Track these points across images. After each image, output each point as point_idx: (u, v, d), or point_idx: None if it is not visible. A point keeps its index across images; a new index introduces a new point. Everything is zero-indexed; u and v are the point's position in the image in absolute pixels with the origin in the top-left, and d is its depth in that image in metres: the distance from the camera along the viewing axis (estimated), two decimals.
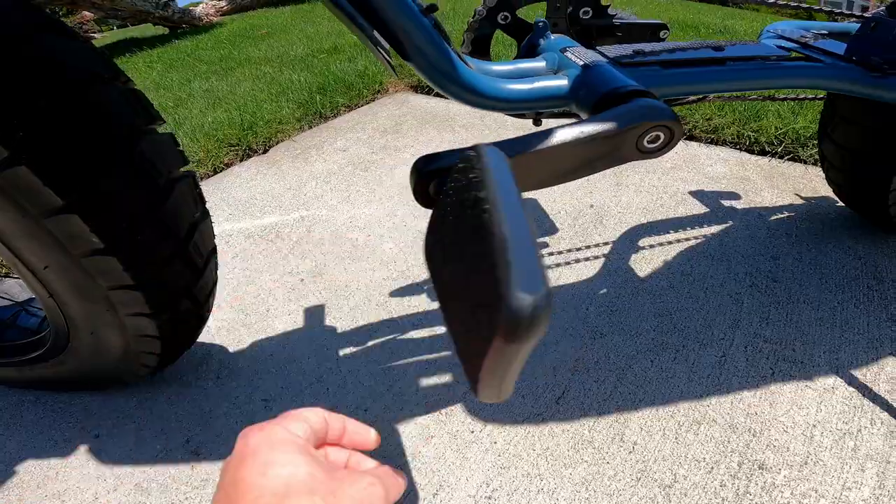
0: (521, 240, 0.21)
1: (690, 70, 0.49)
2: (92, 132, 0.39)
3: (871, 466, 0.52)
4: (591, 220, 0.90)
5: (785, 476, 0.52)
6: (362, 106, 1.51)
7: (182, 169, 0.47)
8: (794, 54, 0.57)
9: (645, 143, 0.38)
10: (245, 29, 3.44)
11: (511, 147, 0.35)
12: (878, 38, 0.56)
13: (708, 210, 0.91)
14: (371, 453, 0.36)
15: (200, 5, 4.74)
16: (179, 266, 0.47)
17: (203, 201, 0.52)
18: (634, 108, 0.38)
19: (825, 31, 0.72)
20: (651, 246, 0.83)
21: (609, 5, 0.63)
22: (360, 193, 1.04)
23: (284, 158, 1.23)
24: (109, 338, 0.51)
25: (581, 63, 0.48)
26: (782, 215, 0.88)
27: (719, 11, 4.14)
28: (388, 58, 0.44)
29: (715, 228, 0.86)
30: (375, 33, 0.40)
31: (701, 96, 0.55)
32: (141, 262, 0.44)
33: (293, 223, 0.96)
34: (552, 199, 0.97)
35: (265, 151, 1.29)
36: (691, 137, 1.18)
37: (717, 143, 1.16)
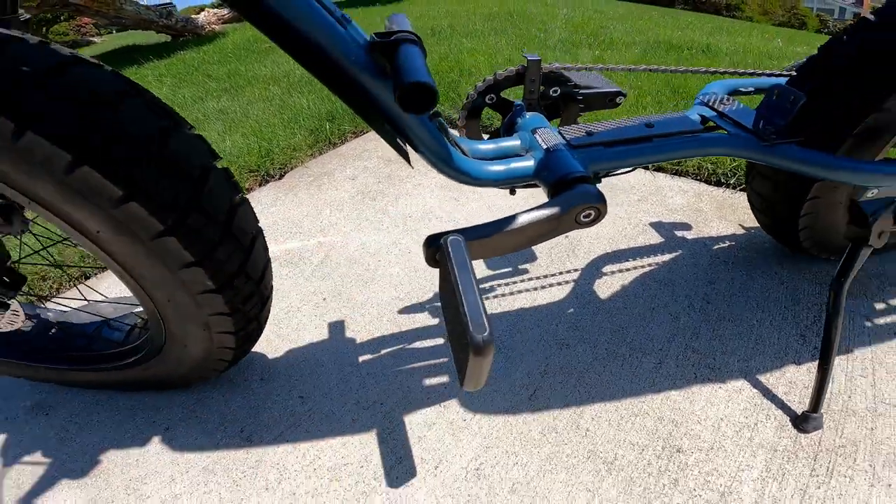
0: (472, 303, 0.38)
1: (625, 148, 0.65)
2: (182, 174, 0.52)
3: (762, 453, 0.68)
4: (565, 249, 1.07)
5: (696, 458, 0.68)
6: (367, 133, 1.67)
7: (238, 196, 0.60)
8: (710, 123, 0.73)
9: (581, 219, 0.55)
10: (248, 42, 3.55)
11: (483, 230, 0.52)
12: (777, 105, 0.69)
13: (663, 240, 1.08)
14: (383, 438, 0.52)
15: (202, 13, 4.84)
16: (244, 279, 0.61)
17: (256, 220, 0.65)
18: (574, 195, 0.55)
19: (752, 89, 0.87)
20: (612, 272, 1.00)
21: (572, 83, 0.79)
22: (369, 222, 1.20)
23: (300, 185, 1.39)
24: (197, 346, 0.66)
25: (545, 147, 0.65)
26: (724, 244, 1.06)
27: (708, 25, 4.29)
28: (403, 148, 0.60)
29: (666, 256, 1.03)
30: (397, 139, 0.57)
31: (635, 168, 0.70)
32: (221, 271, 0.57)
33: (313, 248, 1.12)
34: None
35: (281, 177, 1.44)
36: (659, 169, 1.36)
37: (681, 175, 1.33)
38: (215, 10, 5.02)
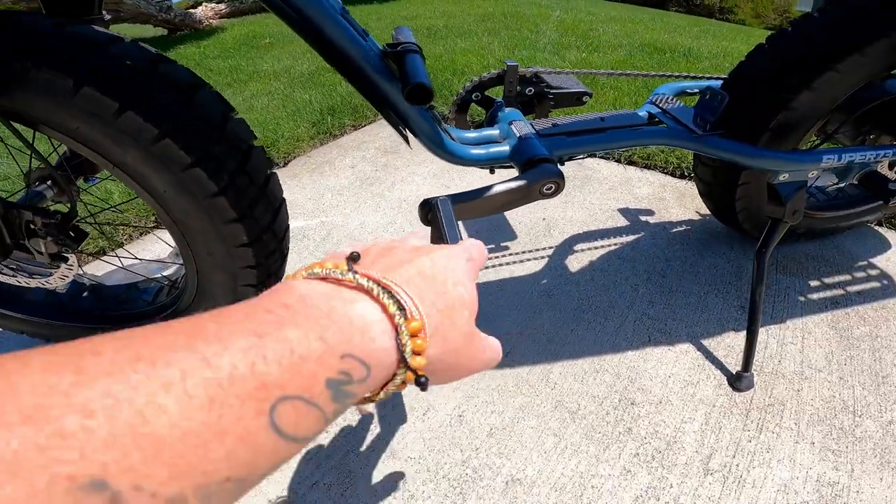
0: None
1: (583, 137, 0.77)
2: (234, 147, 0.64)
3: (702, 408, 0.79)
4: (542, 230, 1.19)
5: (646, 410, 0.80)
6: (365, 126, 1.78)
7: (270, 169, 0.72)
8: (655, 119, 0.85)
9: (544, 190, 0.67)
10: (247, 37, 3.62)
11: (466, 196, 0.63)
12: (709, 104, 0.81)
13: (628, 223, 1.20)
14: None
15: (200, 7, 4.88)
16: (271, 236, 0.72)
17: (282, 190, 0.75)
18: (538, 171, 0.67)
19: (697, 90, 0.99)
20: (583, 250, 1.12)
21: (544, 84, 0.91)
22: (367, 205, 1.31)
23: (303, 172, 1.49)
24: (224, 299, 0.75)
25: (518, 135, 0.76)
26: (682, 228, 1.19)
27: (695, 29, 4.41)
28: (404, 133, 0.71)
29: (630, 237, 1.16)
30: (401, 126, 0.68)
31: (590, 154, 0.82)
32: (255, 226, 0.67)
33: (316, 226, 1.23)
34: (514, 213, 1.26)
35: (285, 165, 1.55)
36: (631, 163, 1.48)
37: (650, 168, 1.45)
38: (213, 4, 5.06)
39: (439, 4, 4.70)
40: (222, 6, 5.06)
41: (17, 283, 0.75)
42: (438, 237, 0.54)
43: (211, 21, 4.71)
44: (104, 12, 0.72)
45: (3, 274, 0.73)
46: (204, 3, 5.05)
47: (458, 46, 2.79)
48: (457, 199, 0.61)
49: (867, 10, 0.72)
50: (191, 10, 4.62)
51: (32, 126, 0.58)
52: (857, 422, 0.77)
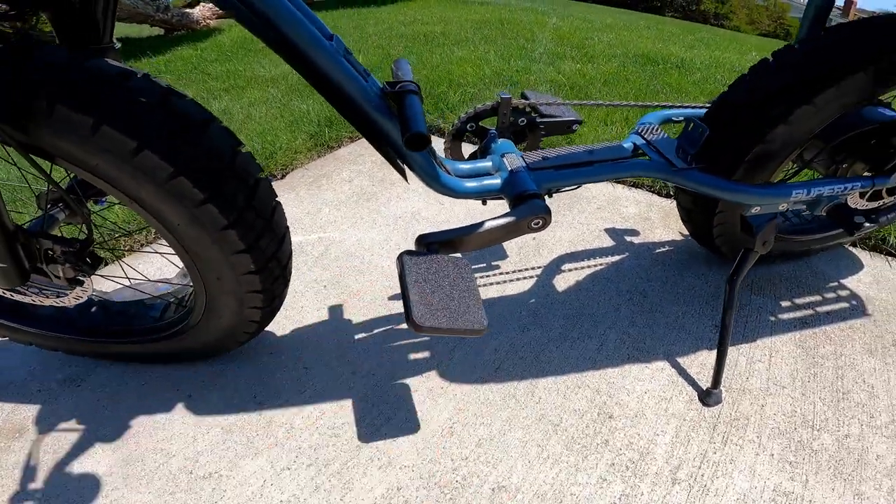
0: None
1: (570, 171, 0.83)
2: (242, 182, 0.68)
3: (674, 421, 0.85)
4: (532, 249, 1.25)
5: (623, 423, 0.85)
6: (362, 139, 1.82)
7: (274, 201, 0.75)
8: (639, 152, 0.91)
9: (532, 226, 0.72)
10: (244, 39, 3.64)
11: (459, 231, 0.69)
12: (691, 136, 0.87)
13: (614, 243, 1.27)
14: (375, 401, 0.68)
15: (197, 8, 4.88)
16: (276, 263, 0.76)
17: (286, 220, 0.79)
18: (527, 207, 0.72)
19: (682, 119, 1.04)
20: (569, 270, 1.18)
21: (536, 114, 0.97)
22: (364, 221, 1.37)
23: (301, 185, 1.54)
24: (230, 318, 0.80)
25: (510, 168, 0.82)
26: (664, 249, 1.25)
27: (689, 37, 4.46)
28: (401, 167, 0.76)
29: (615, 258, 1.22)
30: (398, 161, 0.73)
31: (578, 185, 0.88)
32: (261, 256, 0.72)
33: (314, 242, 1.28)
34: None
35: (283, 177, 1.59)
36: (620, 182, 1.54)
37: (637, 187, 1.52)
38: (210, 4, 5.06)
39: (437, 9, 4.73)
40: None
41: (33, 302, 0.79)
42: (403, 293, 0.60)
43: (208, 22, 4.72)
44: (114, 40, 0.74)
45: (20, 294, 0.78)
46: (201, 4, 5.04)
47: (455, 55, 2.84)
48: (454, 234, 0.67)
49: (845, 44, 0.78)
50: (188, 11, 4.62)
51: (51, 159, 0.61)
52: (815, 435, 0.84)
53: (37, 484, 0.76)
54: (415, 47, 3.09)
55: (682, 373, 0.94)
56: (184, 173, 0.61)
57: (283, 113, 1.98)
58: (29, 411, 0.86)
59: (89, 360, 0.96)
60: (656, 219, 1.37)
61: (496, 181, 0.81)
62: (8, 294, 0.77)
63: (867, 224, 0.89)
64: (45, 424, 0.84)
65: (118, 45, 0.73)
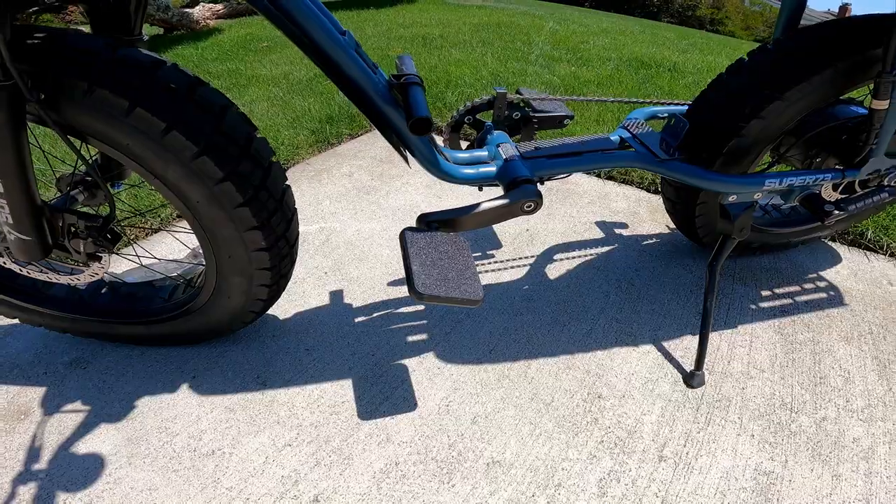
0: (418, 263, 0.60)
1: (561, 160, 0.88)
2: (258, 163, 0.72)
3: (659, 402, 0.90)
4: (525, 240, 1.30)
5: (611, 403, 0.90)
6: (362, 135, 1.87)
7: (286, 183, 0.80)
8: (625, 144, 0.95)
9: (524, 208, 0.77)
10: (245, 39, 3.67)
11: (457, 212, 0.73)
12: (673, 130, 0.91)
13: (604, 235, 1.32)
14: (374, 381, 0.72)
15: (197, 7, 4.92)
16: (285, 242, 0.80)
17: (294, 202, 0.83)
18: (520, 191, 0.77)
19: (666, 115, 1.09)
20: (562, 259, 1.23)
21: (530, 109, 1.01)
22: (363, 213, 1.41)
23: (302, 179, 1.58)
24: (239, 298, 0.84)
25: (505, 156, 0.87)
26: (652, 241, 1.30)
27: (683, 42, 4.53)
28: (404, 154, 0.81)
29: (605, 249, 1.27)
30: (401, 147, 0.78)
31: (568, 174, 0.92)
32: (272, 233, 0.76)
33: (315, 232, 1.32)
34: (500, 224, 1.36)
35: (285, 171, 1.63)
36: (610, 178, 1.59)
37: (627, 183, 1.57)
38: (210, 4, 5.10)
39: (436, 12, 4.79)
40: (219, 7, 5.10)
41: (48, 280, 0.83)
42: (406, 265, 0.65)
43: (208, 21, 4.75)
44: (143, 32, 0.79)
45: (36, 271, 0.81)
46: (201, 3, 5.07)
47: (453, 57, 2.89)
48: (448, 214, 0.71)
49: (813, 45, 0.83)
50: (188, 10, 4.65)
51: (83, 139, 0.66)
52: (793, 417, 0.88)
53: (41, 464, 0.78)
54: (413, 49, 3.14)
55: (668, 356, 0.98)
56: (206, 153, 0.66)
57: (285, 110, 2.02)
58: (35, 393, 0.89)
59: (95, 344, 0.99)
60: (644, 213, 1.42)
61: (492, 168, 0.85)
62: (30, 271, 0.80)
63: (836, 212, 0.94)
64: (51, 406, 0.86)
65: (146, 37, 0.78)
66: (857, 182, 1.00)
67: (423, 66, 2.68)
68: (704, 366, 0.94)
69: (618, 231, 1.34)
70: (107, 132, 0.64)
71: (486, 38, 3.56)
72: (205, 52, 3.36)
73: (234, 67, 2.83)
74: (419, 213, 0.77)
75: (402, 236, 0.69)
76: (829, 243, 1.33)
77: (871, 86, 0.86)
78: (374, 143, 1.81)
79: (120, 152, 0.65)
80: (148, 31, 4.91)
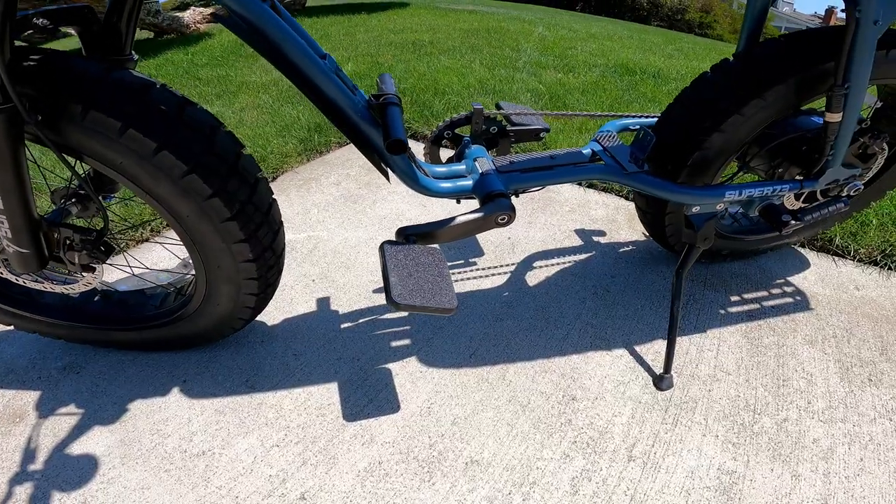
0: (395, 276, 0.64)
1: (534, 173, 0.92)
2: (245, 180, 0.76)
3: (630, 404, 0.94)
4: (507, 248, 1.35)
5: (584, 405, 0.94)
6: (350, 145, 1.90)
7: (271, 198, 0.84)
8: (596, 157, 1.00)
9: (498, 221, 0.81)
10: (235, 44, 3.69)
11: (434, 225, 0.78)
12: (641, 143, 0.96)
13: (582, 243, 1.37)
14: (359, 384, 0.76)
15: (188, 12, 4.92)
16: (271, 253, 0.83)
17: (280, 215, 0.86)
18: (494, 205, 0.81)
19: (638, 126, 1.14)
20: (541, 267, 1.28)
21: (507, 123, 1.06)
22: (350, 221, 1.45)
23: (291, 187, 1.61)
24: (227, 305, 0.88)
25: (481, 170, 0.91)
26: (628, 248, 1.35)
27: (670, 47, 4.61)
28: (384, 170, 0.85)
29: (583, 256, 1.32)
30: (381, 164, 0.82)
31: (542, 187, 0.96)
32: (259, 245, 0.79)
33: (303, 240, 1.36)
34: (483, 233, 1.40)
35: (274, 180, 1.67)
36: (591, 186, 1.65)
37: (606, 191, 1.62)
38: (200, 8, 5.10)
39: (426, 17, 4.84)
40: (210, 11, 5.10)
41: (43, 289, 0.86)
42: (384, 276, 0.69)
43: (198, 26, 4.75)
44: (132, 52, 0.83)
45: (32, 280, 0.85)
46: (192, 8, 5.07)
47: (442, 64, 2.94)
48: (425, 228, 0.76)
49: (771, 58, 0.87)
50: (178, 15, 4.65)
51: (78, 157, 0.70)
52: (756, 419, 0.93)
53: (36, 465, 0.81)
54: (403, 55, 3.18)
55: (639, 359, 1.03)
56: (195, 171, 0.70)
57: (274, 119, 2.06)
58: (29, 397, 0.92)
59: (89, 349, 1.02)
60: (622, 221, 1.48)
61: (468, 182, 0.90)
62: (25, 281, 0.83)
63: (793, 222, 0.99)
64: (46, 409, 0.89)
65: (136, 56, 0.81)
66: (818, 192, 1.05)
67: (412, 73, 2.73)
68: (673, 369, 0.99)
69: (596, 238, 1.40)
70: (101, 151, 0.67)
71: (475, 44, 3.61)
72: (195, 57, 3.38)
73: (225, 73, 2.85)
74: (398, 227, 0.81)
75: (382, 249, 0.73)
76: (799, 249, 1.38)
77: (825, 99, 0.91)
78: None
79: (113, 170, 0.69)
80: (138, 35, 4.90)
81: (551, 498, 0.79)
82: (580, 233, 1.42)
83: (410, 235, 0.77)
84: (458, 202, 1.02)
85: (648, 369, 1.01)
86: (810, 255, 1.37)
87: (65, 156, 0.69)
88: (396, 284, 0.67)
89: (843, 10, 0.84)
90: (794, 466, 0.84)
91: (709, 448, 0.86)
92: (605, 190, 1.63)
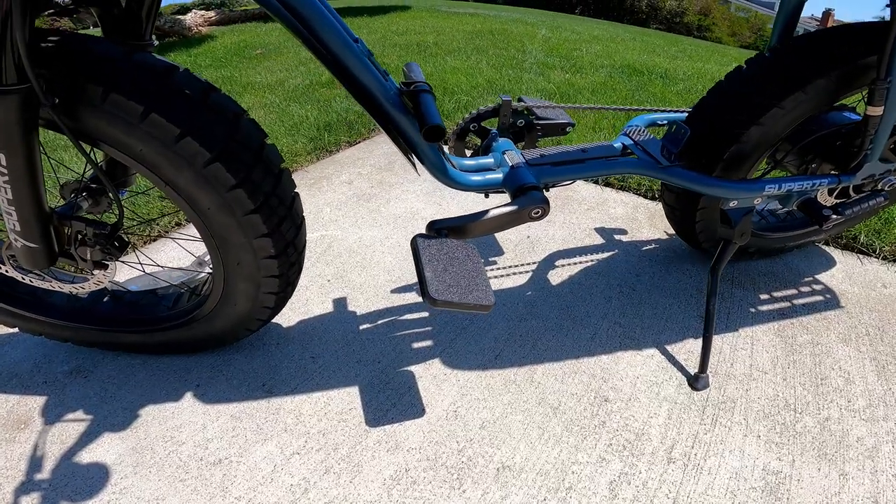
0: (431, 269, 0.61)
1: (566, 167, 0.89)
2: (269, 171, 0.72)
3: (665, 405, 0.90)
4: (527, 246, 1.31)
5: (618, 406, 0.90)
6: (360, 143, 1.87)
7: (293, 191, 0.79)
8: (628, 151, 0.97)
9: (532, 215, 0.78)
10: (238, 46, 3.68)
11: (466, 219, 0.74)
12: (674, 137, 0.93)
13: (604, 241, 1.33)
14: (380, 388, 0.72)
15: (189, 15, 4.91)
16: (293, 249, 0.80)
17: (302, 211, 0.83)
18: (527, 198, 0.78)
19: (666, 122, 1.11)
20: (563, 265, 1.24)
21: (533, 116, 1.03)
22: (364, 220, 1.41)
23: (302, 187, 1.57)
24: (245, 304, 0.84)
25: (510, 164, 0.88)
26: (651, 246, 1.32)
27: (673, 49, 4.61)
28: (412, 160, 0.81)
29: (605, 254, 1.28)
30: (410, 154, 0.78)
31: (572, 181, 0.93)
32: (281, 241, 0.75)
33: (317, 240, 1.32)
34: (502, 232, 1.36)
35: None
36: (608, 184, 1.61)
37: (625, 190, 1.59)
38: (202, 11, 5.09)
39: (430, 20, 4.83)
40: (211, 13, 5.09)
41: (51, 288, 0.82)
42: (418, 271, 0.65)
43: (200, 28, 4.74)
44: (153, 37, 0.79)
45: (40, 279, 0.80)
46: (193, 10, 5.06)
47: (449, 65, 2.92)
48: (464, 220, 0.72)
49: (809, 52, 0.85)
50: (180, 17, 4.63)
51: (95, 144, 0.66)
52: (798, 418, 0.89)
53: (43, 474, 0.77)
54: (409, 57, 3.16)
55: (671, 359, 1.00)
56: (219, 159, 0.66)
57: (283, 118, 2.02)
58: (35, 403, 0.88)
59: (96, 352, 0.98)
60: (643, 219, 1.44)
61: (498, 175, 0.86)
62: (32, 280, 0.79)
63: (834, 216, 0.96)
64: (52, 415, 0.85)
65: (156, 42, 0.78)
66: (851, 187, 1.02)
67: None
68: (708, 368, 0.95)
69: (617, 237, 1.36)
70: (120, 138, 0.63)
71: (480, 46, 3.59)
72: (197, 58, 3.36)
73: (229, 74, 2.83)
74: (428, 221, 0.77)
75: (414, 243, 0.69)
76: (823, 247, 1.35)
77: (865, 93, 0.89)
78: (373, 151, 1.82)
79: (132, 158, 0.65)
80: None
81: (589, 503, 0.75)
82: (601, 231, 1.38)
83: (442, 229, 0.73)
84: (487, 196, 0.98)
85: (682, 369, 0.98)
86: (835, 252, 1.34)
87: (80, 143, 0.65)
88: (433, 280, 0.63)
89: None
90: (840, 465, 0.81)
91: (751, 448, 0.83)
92: (623, 188, 1.59)
